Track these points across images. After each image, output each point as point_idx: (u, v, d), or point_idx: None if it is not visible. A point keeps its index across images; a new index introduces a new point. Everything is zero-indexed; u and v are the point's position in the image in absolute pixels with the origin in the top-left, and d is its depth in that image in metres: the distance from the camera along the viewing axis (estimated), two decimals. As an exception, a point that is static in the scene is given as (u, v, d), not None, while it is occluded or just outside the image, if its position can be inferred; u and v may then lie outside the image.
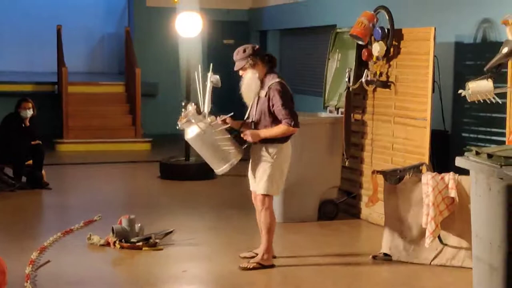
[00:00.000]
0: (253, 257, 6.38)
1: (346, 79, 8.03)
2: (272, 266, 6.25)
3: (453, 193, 6.08)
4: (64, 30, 14.32)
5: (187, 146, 10.19)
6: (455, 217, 6.17)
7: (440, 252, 6.30)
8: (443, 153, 7.79)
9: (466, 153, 4.92)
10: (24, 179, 9.65)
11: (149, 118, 14.25)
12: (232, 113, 6.13)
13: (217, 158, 6.15)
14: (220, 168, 6.18)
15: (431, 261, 6.33)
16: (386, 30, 7.64)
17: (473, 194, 4.87)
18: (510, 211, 4.45)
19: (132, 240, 6.81)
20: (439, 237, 6.22)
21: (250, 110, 6.27)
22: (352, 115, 8.12)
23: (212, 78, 6.23)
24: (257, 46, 6.31)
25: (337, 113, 8.39)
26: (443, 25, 7.96)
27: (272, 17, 14.35)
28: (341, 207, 8.17)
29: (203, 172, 10.09)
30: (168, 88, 14.68)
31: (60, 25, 14.33)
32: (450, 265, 6.27)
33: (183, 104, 6.35)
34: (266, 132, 6.11)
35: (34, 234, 7.45)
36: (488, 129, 7.64)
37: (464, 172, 5.18)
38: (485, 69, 6.17)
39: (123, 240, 6.80)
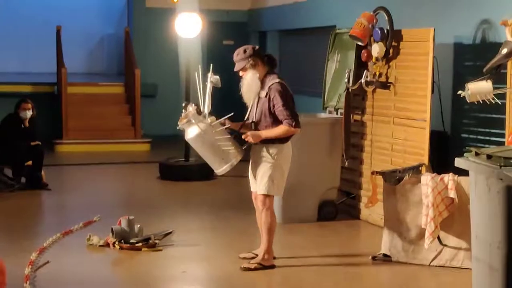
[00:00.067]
0: (253, 258, 6.38)
1: (346, 80, 8.03)
2: (273, 266, 6.25)
3: (452, 194, 6.08)
4: (63, 31, 14.31)
5: (186, 146, 10.20)
6: (454, 218, 6.17)
7: (440, 252, 6.30)
8: (443, 154, 7.79)
9: (465, 154, 4.92)
10: (23, 179, 9.65)
11: (149, 119, 14.24)
12: (232, 113, 6.13)
13: (217, 159, 6.15)
14: (221, 169, 6.18)
15: (431, 261, 6.33)
16: (385, 31, 7.64)
17: (473, 195, 4.87)
18: (510, 212, 4.45)
19: (132, 241, 6.81)
20: (438, 237, 6.22)
21: (250, 111, 6.27)
22: (351, 116, 8.13)
23: (212, 79, 6.23)
24: (257, 47, 6.32)
25: (337, 114, 8.39)
26: (442, 26, 7.96)
27: (272, 18, 14.35)
28: (340, 207, 8.18)
29: (203, 172, 10.10)
30: (168, 89, 14.68)
31: (59, 26, 14.32)
32: (449, 265, 6.27)
33: (183, 104, 6.34)
34: (267, 132, 6.11)
35: (34, 235, 7.45)
36: (488, 130, 7.64)
37: (463, 173, 5.18)
38: (484, 70, 6.17)
39: (122, 241, 6.80)
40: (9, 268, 5.14)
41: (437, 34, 7.24)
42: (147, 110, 14.16)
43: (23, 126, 9.67)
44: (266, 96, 6.13)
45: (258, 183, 6.20)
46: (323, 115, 8.55)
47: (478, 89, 6.04)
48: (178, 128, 6.29)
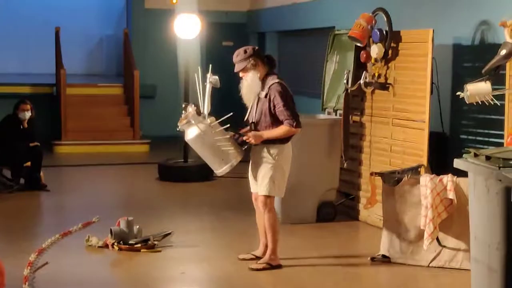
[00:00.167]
0: (252, 259, 6.39)
1: (345, 81, 8.03)
2: (280, 266, 6.27)
3: (451, 195, 6.08)
4: (62, 32, 14.31)
5: (185, 147, 10.20)
6: (453, 219, 6.17)
7: (439, 254, 6.30)
8: (442, 155, 7.79)
9: (464, 155, 4.92)
10: (22, 180, 9.65)
11: (148, 120, 14.24)
12: (231, 113, 6.14)
13: (217, 159, 6.15)
14: (220, 169, 6.18)
15: (430, 263, 6.33)
16: (384, 32, 7.64)
17: (472, 196, 4.87)
18: (509, 213, 4.45)
19: (131, 242, 6.81)
20: (437, 239, 6.22)
21: (249, 111, 6.27)
22: (350, 117, 8.13)
23: (211, 79, 6.24)
24: (256, 47, 6.33)
25: (336, 115, 8.40)
26: (442, 27, 7.96)
27: (271, 19, 14.36)
28: (339, 209, 8.17)
29: (202, 173, 10.10)
30: (167, 90, 14.67)
31: (58, 27, 14.32)
32: (448, 267, 6.27)
33: (183, 106, 6.34)
34: (269, 133, 6.11)
35: (33, 236, 7.45)
36: (487, 131, 7.64)
37: (462, 174, 5.18)
38: (483, 71, 6.17)
39: (121, 242, 6.79)
40: (8, 269, 5.13)
41: (436, 35, 7.24)
42: (146, 111, 14.16)
43: (22, 127, 9.67)
44: (266, 97, 6.13)
45: (259, 184, 6.20)
46: (322, 116, 8.56)
47: (477, 90, 6.04)
48: (178, 129, 6.29)
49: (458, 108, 7.96)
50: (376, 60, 7.74)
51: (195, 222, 8.12)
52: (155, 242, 6.86)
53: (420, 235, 6.25)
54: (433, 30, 7.21)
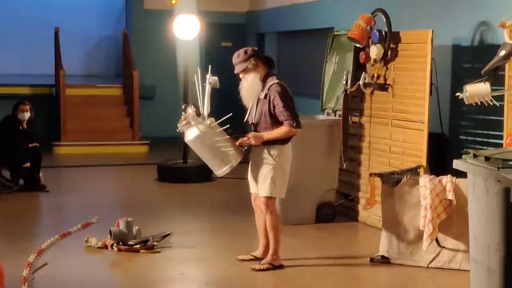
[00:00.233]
0: (251, 259, 6.39)
1: (344, 82, 8.03)
2: (282, 266, 6.27)
3: (450, 196, 6.08)
4: (61, 33, 14.31)
5: (184, 148, 10.20)
6: (452, 219, 6.17)
7: (438, 254, 6.30)
8: (441, 156, 7.79)
9: (463, 156, 4.93)
10: (21, 181, 9.65)
11: (147, 120, 14.25)
12: (231, 114, 6.13)
13: (217, 160, 6.15)
14: (220, 170, 6.18)
15: (429, 263, 6.33)
16: (383, 33, 7.65)
17: (471, 196, 4.87)
18: (508, 214, 4.45)
19: (130, 242, 6.81)
20: (436, 239, 6.22)
21: (249, 112, 6.27)
22: (349, 117, 8.13)
23: (211, 80, 6.24)
24: (256, 48, 6.33)
25: (335, 115, 8.40)
26: (441, 28, 7.97)
27: (270, 20, 14.36)
28: (338, 209, 8.17)
29: (201, 174, 10.10)
30: (166, 90, 14.67)
31: (58, 28, 14.32)
32: (447, 267, 6.27)
33: (182, 107, 6.34)
34: (269, 134, 6.12)
35: (32, 237, 7.45)
36: (486, 132, 7.65)
37: (461, 174, 5.19)
38: (482, 72, 6.17)
39: (120, 243, 6.79)
40: (7, 270, 5.14)
41: (435, 36, 7.24)
42: (145, 112, 14.16)
43: (21, 128, 9.66)
44: (265, 97, 6.13)
45: (260, 185, 6.19)
46: (321, 117, 8.56)
47: (476, 91, 6.05)
48: (177, 130, 6.30)
49: (457, 109, 7.97)
50: (375, 61, 7.75)
51: (194, 223, 8.12)
52: (155, 243, 6.86)
53: (419, 236, 6.25)
54: (432, 31, 7.21)
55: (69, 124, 13.26)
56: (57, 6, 16.50)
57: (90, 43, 17.04)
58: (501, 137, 6.82)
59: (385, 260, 6.47)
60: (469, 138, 7.95)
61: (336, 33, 8.81)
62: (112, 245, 6.78)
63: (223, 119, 6.15)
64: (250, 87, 6.16)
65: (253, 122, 6.21)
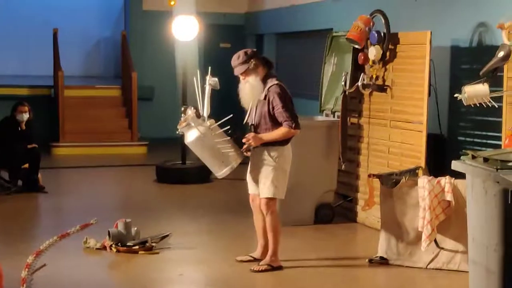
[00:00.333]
0: (250, 260, 6.39)
1: (343, 83, 8.03)
2: (281, 267, 6.27)
3: (449, 197, 6.08)
4: (60, 33, 14.31)
5: (183, 149, 10.19)
6: (451, 220, 6.18)
7: (437, 255, 6.30)
8: (439, 157, 7.80)
9: (462, 157, 4.93)
10: (20, 182, 9.64)
11: (145, 121, 14.24)
12: (231, 115, 6.13)
13: (217, 162, 6.15)
14: (221, 172, 6.17)
15: (427, 264, 6.33)
16: (382, 34, 7.65)
17: (469, 197, 4.88)
18: (506, 215, 4.46)
19: (129, 243, 6.80)
20: (435, 240, 6.22)
21: (249, 113, 6.27)
22: (348, 118, 8.13)
23: (211, 81, 6.23)
24: (255, 49, 6.33)
25: (334, 116, 8.40)
26: (439, 29, 7.98)
27: (269, 21, 14.36)
28: (337, 210, 8.18)
29: (200, 175, 10.10)
30: (165, 91, 14.67)
31: (56, 29, 14.32)
32: (446, 268, 6.27)
33: (182, 109, 6.33)
34: (268, 135, 6.12)
35: (30, 238, 7.44)
36: (484, 133, 7.66)
37: (460, 175, 5.19)
38: (481, 73, 6.17)
39: (119, 244, 6.79)
40: (6, 271, 5.13)
41: (434, 37, 7.25)
42: (144, 113, 14.15)
43: (19, 129, 9.66)
44: (265, 99, 6.13)
45: (261, 186, 6.19)
46: (320, 118, 8.56)
47: (475, 92, 6.05)
48: (177, 132, 6.30)
49: (456, 110, 7.97)
50: (374, 62, 7.75)
51: (193, 224, 8.11)
52: (153, 244, 6.86)
53: (418, 237, 6.25)
54: (431, 32, 7.21)
55: (67, 125, 13.25)
56: (55, 7, 16.49)
57: (89, 44, 17.04)
58: (499, 138, 6.82)
59: (383, 261, 6.47)
60: (468, 139, 7.95)
61: (334, 34, 8.81)
62: (110, 246, 6.78)
63: (223, 120, 6.15)
64: (253, 89, 6.14)
65: (253, 123, 6.21)
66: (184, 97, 10.48)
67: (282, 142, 6.15)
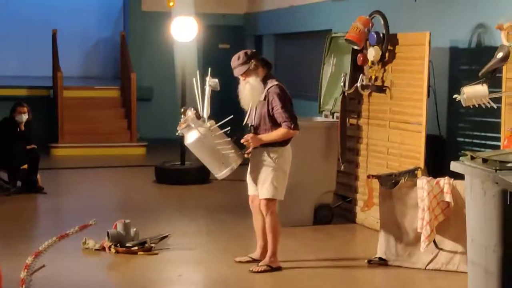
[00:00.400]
0: (249, 261, 6.39)
1: (342, 84, 8.04)
2: (280, 268, 6.27)
3: (448, 198, 6.09)
4: (59, 35, 14.31)
5: (182, 150, 10.19)
6: (450, 221, 6.18)
7: (435, 256, 6.30)
8: (438, 158, 7.81)
9: (461, 158, 4.93)
10: (19, 183, 9.63)
11: (144, 122, 14.24)
12: (231, 116, 6.13)
13: (217, 163, 6.15)
14: (221, 173, 6.18)
15: (426, 265, 6.33)
16: (381, 35, 7.65)
17: (468, 198, 4.88)
18: (505, 216, 4.46)
19: (128, 244, 6.80)
20: (434, 241, 6.22)
21: (249, 114, 6.27)
22: (347, 119, 8.13)
23: (211, 82, 6.23)
24: (254, 50, 6.33)
25: (333, 117, 8.41)
26: (438, 30, 7.98)
27: (268, 22, 14.36)
28: (336, 211, 8.18)
29: (199, 176, 10.10)
30: (164, 92, 14.67)
31: (55, 29, 14.32)
32: (445, 269, 6.27)
33: (182, 110, 6.33)
34: (267, 136, 6.12)
35: (29, 239, 7.43)
36: (483, 134, 7.66)
37: (459, 176, 5.19)
38: (480, 74, 6.18)
39: (118, 245, 6.79)
40: (5, 272, 5.13)
41: (433, 38, 7.25)
42: (143, 113, 14.15)
43: (18, 130, 9.65)
44: (265, 99, 6.13)
45: (260, 187, 6.19)
46: (319, 119, 8.56)
47: (474, 93, 6.06)
48: (177, 134, 6.29)
49: (455, 111, 7.98)
50: (373, 63, 7.75)
51: (192, 225, 8.12)
52: (152, 245, 6.85)
53: (417, 238, 6.25)
54: (430, 33, 7.22)
55: (66, 126, 13.25)
56: (54, 8, 16.49)
57: (88, 45, 17.05)
58: (498, 139, 6.82)
59: (382, 262, 6.47)
60: (467, 140, 7.95)
61: (334, 35, 8.82)
62: (109, 247, 6.78)
63: (223, 121, 6.15)
64: (253, 89, 6.13)
65: (253, 124, 6.21)
66: (183, 98, 10.48)
67: (281, 143, 6.15)
